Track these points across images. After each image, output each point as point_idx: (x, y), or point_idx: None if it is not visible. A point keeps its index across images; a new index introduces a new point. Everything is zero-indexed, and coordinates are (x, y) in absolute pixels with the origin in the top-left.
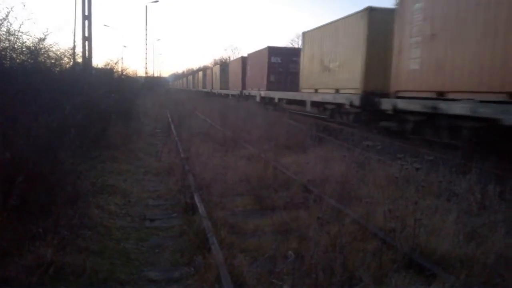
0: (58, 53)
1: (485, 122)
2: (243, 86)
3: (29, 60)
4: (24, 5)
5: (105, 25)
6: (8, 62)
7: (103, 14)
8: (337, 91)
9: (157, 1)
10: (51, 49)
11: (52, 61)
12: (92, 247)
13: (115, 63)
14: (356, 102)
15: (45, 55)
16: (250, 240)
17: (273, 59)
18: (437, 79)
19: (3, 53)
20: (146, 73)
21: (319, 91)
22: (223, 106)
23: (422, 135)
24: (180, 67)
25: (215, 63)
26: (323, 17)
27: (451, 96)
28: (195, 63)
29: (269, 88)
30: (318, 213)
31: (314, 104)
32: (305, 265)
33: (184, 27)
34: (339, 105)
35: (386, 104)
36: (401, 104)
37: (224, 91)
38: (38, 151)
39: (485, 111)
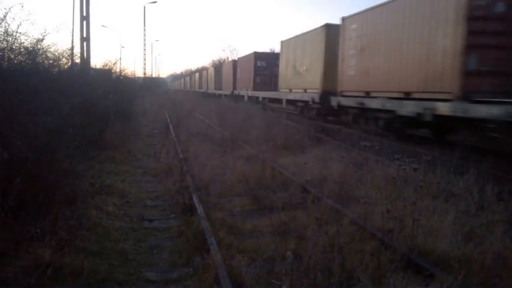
0: (57, 53)
1: (391, 113)
2: (234, 87)
3: (27, 61)
4: (22, 6)
5: (103, 25)
6: (6, 62)
7: (101, 14)
8: (305, 91)
9: (155, 2)
10: (49, 49)
11: (50, 61)
12: (90, 248)
13: (114, 64)
14: (317, 99)
15: (43, 56)
16: (248, 240)
17: (259, 63)
18: (364, 82)
19: (0, 53)
20: (145, 73)
21: (293, 90)
22: (220, 107)
23: (359, 124)
24: (178, 68)
25: (213, 64)
26: (322, 18)
27: (373, 94)
28: (194, 64)
29: (255, 88)
30: (316, 213)
31: (289, 101)
32: (303, 265)
33: (182, 28)
34: (306, 102)
35: (333, 101)
36: (343, 101)
37: (217, 92)
38: (36, 152)
39: (389, 105)
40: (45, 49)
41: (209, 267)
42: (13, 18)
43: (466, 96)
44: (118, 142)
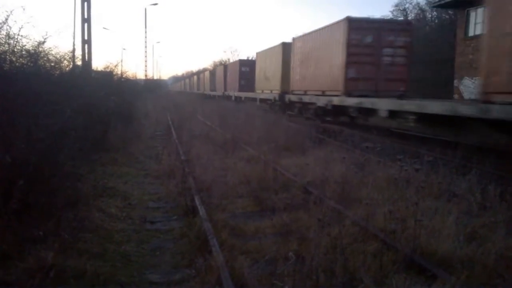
0: (58, 56)
1: (315, 105)
2: (225, 89)
3: (29, 64)
4: (24, 9)
5: (104, 28)
6: (7, 65)
7: (102, 17)
8: (271, 91)
9: (156, 4)
10: (50, 52)
11: (52, 64)
12: (93, 250)
13: (115, 66)
14: (277, 97)
15: (45, 58)
16: (250, 242)
17: (243, 69)
18: (303, 84)
19: (2, 56)
20: (146, 75)
21: (264, 91)
22: (221, 108)
23: (304, 115)
24: (179, 70)
25: (215, 65)
26: (322, 19)
27: (308, 92)
28: (195, 66)
29: (240, 90)
30: (319, 214)
31: (261, 100)
32: (305, 266)
33: (183, 29)
34: (271, 100)
35: (286, 98)
36: (292, 98)
37: (212, 93)
38: (38, 154)
39: (314, 99)
40: (46, 52)
41: (212, 268)
42: (15, 21)
43: (348, 93)
44: (120, 144)
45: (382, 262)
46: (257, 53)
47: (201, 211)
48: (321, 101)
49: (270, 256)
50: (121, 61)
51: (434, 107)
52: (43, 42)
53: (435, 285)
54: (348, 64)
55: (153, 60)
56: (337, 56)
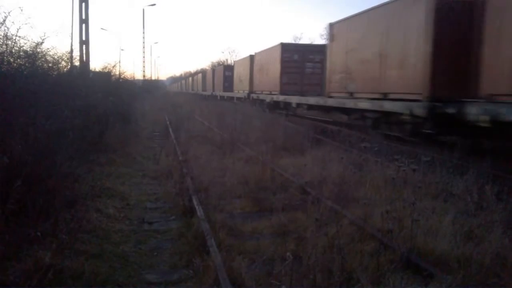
0: (56, 57)
1: (264, 101)
2: (213, 89)
3: (27, 64)
4: (22, 10)
5: (102, 28)
6: (5, 66)
7: (100, 17)
8: (243, 91)
9: (154, 5)
10: (48, 53)
11: (50, 65)
12: (90, 250)
13: (113, 67)
14: (246, 96)
15: (43, 59)
16: (248, 242)
17: (227, 73)
18: (260, 86)
19: (0, 57)
20: (144, 76)
21: (239, 92)
22: (218, 108)
23: (261, 108)
24: (178, 70)
25: (213, 66)
26: (320, 18)
27: (264, 92)
28: (193, 66)
29: (224, 90)
30: (316, 214)
31: (237, 98)
32: (303, 266)
33: (181, 30)
34: (243, 97)
35: (251, 96)
36: (253, 96)
37: (203, 92)
38: (36, 155)
39: (262, 96)
40: (44, 53)
41: (209, 268)
42: (13, 22)
43: (283, 93)
44: (118, 144)
45: (379, 262)
46: (235, 62)
47: (199, 211)
48: (268, 98)
49: (267, 256)
50: (119, 61)
51: (311, 100)
52: (41, 43)
53: (432, 284)
54: (282, 73)
55: (151, 60)
56: (276, 68)
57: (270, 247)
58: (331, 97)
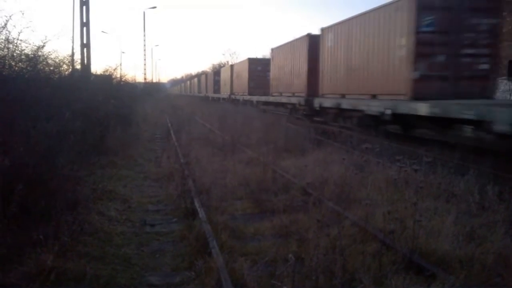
0: (57, 60)
1: (239, 100)
2: (206, 91)
3: (28, 68)
4: (23, 13)
5: (103, 31)
6: (7, 69)
7: (101, 20)
8: (226, 93)
9: (155, 7)
10: (50, 56)
11: (51, 68)
12: (92, 253)
13: (114, 70)
14: (227, 97)
15: (44, 63)
16: (250, 243)
17: (216, 78)
18: (236, 90)
19: (1, 61)
20: (145, 79)
21: (223, 93)
22: (219, 111)
23: (234, 104)
24: (179, 73)
25: (213, 68)
26: (320, 21)
27: (239, 94)
28: (194, 69)
29: (214, 92)
30: (318, 215)
31: (222, 98)
32: (305, 267)
33: (182, 33)
34: (226, 98)
35: (232, 97)
36: (232, 97)
37: (198, 94)
38: (37, 158)
39: (240, 97)
40: (45, 56)
41: (211, 270)
42: (14, 26)
43: (250, 94)
44: (119, 147)
45: (381, 263)
46: (221, 69)
47: (201, 213)
48: (241, 98)
49: (269, 258)
50: (120, 64)
51: (263, 98)
52: (42, 47)
53: (434, 284)
54: (249, 80)
55: (152, 63)
56: (245, 76)
57: (272, 249)
58: (272, 96)
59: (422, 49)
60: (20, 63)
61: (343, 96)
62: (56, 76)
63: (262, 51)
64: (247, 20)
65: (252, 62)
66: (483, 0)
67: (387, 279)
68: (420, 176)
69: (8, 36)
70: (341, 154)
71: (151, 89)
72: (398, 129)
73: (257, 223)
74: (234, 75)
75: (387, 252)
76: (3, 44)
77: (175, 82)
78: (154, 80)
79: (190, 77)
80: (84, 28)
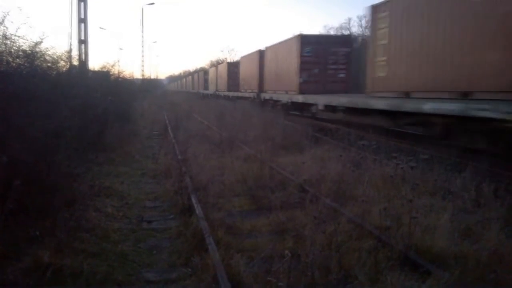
0: (55, 56)
1: (220, 95)
2: (198, 87)
3: (26, 64)
4: (21, 9)
5: (101, 27)
6: (4, 66)
7: (99, 16)
8: (212, 90)
9: (153, 4)
10: (47, 52)
11: (49, 64)
12: (89, 249)
13: (112, 66)
14: (213, 92)
15: (42, 59)
16: (247, 240)
17: (205, 77)
18: (219, 88)
19: None
20: (143, 75)
21: (210, 90)
22: (217, 107)
23: (217, 100)
24: (177, 69)
25: (212, 65)
26: (318, 18)
27: (222, 91)
28: (192, 65)
29: (203, 89)
30: (314, 212)
31: (210, 94)
32: (301, 264)
33: (180, 29)
34: (212, 93)
35: (216, 93)
36: (217, 93)
37: (192, 90)
38: (34, 154)
39: (221, 94)
40: (43, 52)
41: (208, 266)
42: (11, 22)
43: (228, 90)
44: (116, 143)
45: (377, 259)
46: (209, 69)
47: (198, 210)
48: (223, 94)
49: (266, 254)
50: (118, 61)
51: (239, 94)
52: (40, 43)
53: (429, 281)
54: (228, 79)
55: (150, 59)
56: (225, 77)
57: (269, 245)
58: (241, 92)
59: (304, 66)
60: (17, 59)
61: (274, 92)
62: (54, 73)
63: (260, 47)
64: (245, 16)
65: (231, 65)
66: (339, 38)
67: (382, 275)
68: (417, 173)
69: (6, 32)
70: (338, 151)
71: (148, 86)
72: (296, 111)
73: (254, 219)
74: (218, 74)
75: (383, 248)
76: (0, 40)
77: (172, 79)
78: (152, 77)
79: (188, 74)
80: (82, 24)
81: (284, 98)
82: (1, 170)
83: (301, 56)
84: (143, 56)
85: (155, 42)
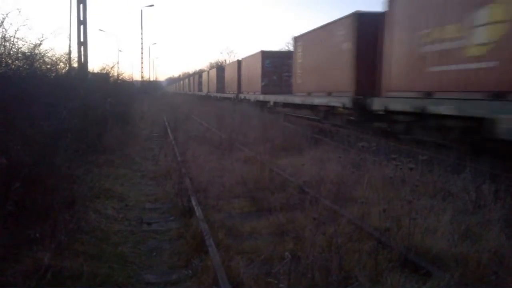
0: (54, 58)
1: (214, 97)
2: (193, 89)
3: (25, 66)
4: (20, 11)
5: (100, 29)
6: (3, 68)
7: (98, 19)
8: (205, 91)
9: (152, 6)
10: (46, 54)
11: (48, 66)
12: (89, 251)
13: (111, 68)
14: (205, 94)
15: (41, 61)
16: (247, 242)
17: (199, 79)
18: (210, 90)
19: None
20: (142, 77)
21: (204, 91)
22: (217, 109)
23: (209, 99)
24: (176, 71)
25: (211, 66)
26: (318, 19)
27: (212, 92)
28: (191, 67)
29: (198, 90)
30: (314, 214)
31: (204, 95)
32: (301, 265)
33: (180, 31)
34: (204, 95)
35: (208, 94)
36: (208, 94)
37: (188, 92)
38: (34, 156)
39: (211, 95)
40: (42, 54)
41: (208, 268)
42: (11, 24)
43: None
44: (116, 146)
45: (377, 261)
46: (202, 73)
47: (198, 211)
48: (214, 95)
49: (266, 256)
50: (117, 62)
51: (225, 95)
52: (39, 45)
53: (429, 282)
54: (217, 82)
55: (149, 61)
56: (214, 80)
57: (269, 247)
58: (226, 92)
59: (265, 74)
60: (17, 61)
61: (248, 93)
62: (53, 74)
63: (260, 49)
64: (245, 18)
65: (219, 69)
66: (291, 53)
67: (382, 277)
68: (416, 175)
69: (5, 34)
70: (338, 153)
71: (148, 88)
72: (258, 107)
73: (254, 221)
74: (209, 78)
75: (383, 250)
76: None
77: (171, 81)
78: (151, 79)
79: (186, 76)
80: (81, 26)
81: (252, 97)
82: (1, 172)
83: (263, 67)
84: (142, 58)
85: (155, 44)
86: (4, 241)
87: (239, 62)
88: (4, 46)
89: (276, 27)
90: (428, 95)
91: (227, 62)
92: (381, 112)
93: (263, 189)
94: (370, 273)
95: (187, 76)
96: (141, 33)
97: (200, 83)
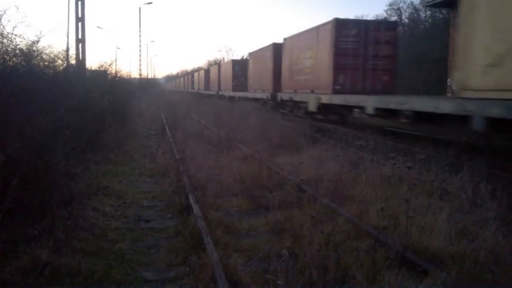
0: (52, 55)
1: (209, 94)
2: (188, 87)
3: (23, 63)
4: (18, 8)
5: (98, 27)
6: (1, 64)
7: (96, 16)
8: (197, 89)
9: (151, 3)
10: (44, 51)
11: (46, 63)
12: (87, 248)
13: (109, 65)
14: (198, 91)
15: (39, 58)
16: (244, 239)
17: (192, 79)
18: (205, 87)
19: None
20: (140, 74)
21: (195, 88)
22: (215, 107)
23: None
24: (174, 69)
25: (209, 64)
26: (316, 18)
27: (200, 90)
28: (189, 65)
29: (190, 88)
30: (312, 212)
31: (196, 93)
32: (299, 263)
33: (178, 28)
34: (195, 91)
35: (201, 92)
36: (201, 92)
37: (183, 89)
38: (32, 153)
39: (201, 91)
40: (40, 51)
41: (206, 266)
42: (8, 20)
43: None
44: (114, 143)
45: (374, 259)
46: (195, 73)
47: (196, 209)
48: (203, 92)
49: (264, 253)
50: (115, 60)
51: (210, 92)
52: (37, 42)
53: (426, 280)
54: (205, 81)
55: (148, 59)
56: (202, 79)
57: (266, 245)
58: (210, 90)
59: (235, 76)
60: (14, 58)
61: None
62: (51, 72)
63: (258, 47)
64: (243, 16)
65: (206, 71)
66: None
67: (380, 275)
68: (414, 173)
69: (3, 31)
70: (336, 151)
71: (146, 85)
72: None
73: (252, 219)
74: (200, 77)
75: (380, 248)
76: None
77: (169, 78)
78: (150, 76)
79: (183, 74)
80: (79, 23)
81: (227, 94)
82: None
83: (233, 71)
84: (140, 55)
85: (153, 41)
86: (2, 238)
87: (219, 66)
88: (2, 43)
89: (275, 26)
90: (295, 91)
91: (225, 60)
92: (281, 100)
93: (261, 187)
94: (367, 271)
95: (185, 74)
96: (140, 31)
97: (193, 81)
